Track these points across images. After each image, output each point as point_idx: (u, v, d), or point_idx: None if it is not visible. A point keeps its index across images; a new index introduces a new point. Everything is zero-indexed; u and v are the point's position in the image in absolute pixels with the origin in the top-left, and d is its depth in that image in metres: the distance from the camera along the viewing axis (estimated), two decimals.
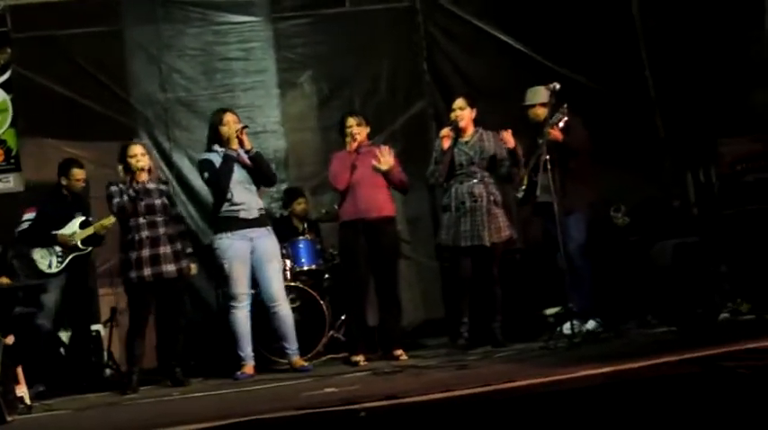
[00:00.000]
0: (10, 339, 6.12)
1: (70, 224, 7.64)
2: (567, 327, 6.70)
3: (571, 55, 8.64)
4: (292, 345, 6.99)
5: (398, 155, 7.59)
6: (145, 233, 6.81)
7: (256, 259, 6.98)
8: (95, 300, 8.27)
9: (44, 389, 7.01)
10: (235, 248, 6.94)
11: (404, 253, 8.04)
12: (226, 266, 6.97)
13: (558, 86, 6.88)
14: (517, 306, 7.43)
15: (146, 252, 6.77)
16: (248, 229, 6.96)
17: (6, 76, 8.65)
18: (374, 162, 7.04)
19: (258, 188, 7.12)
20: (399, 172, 7.17)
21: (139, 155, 6.91)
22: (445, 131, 7.16)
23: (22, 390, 6.24)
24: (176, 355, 7.01)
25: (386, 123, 8.78)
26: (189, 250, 7.09)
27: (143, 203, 6.82)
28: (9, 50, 8.65)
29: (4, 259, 6.77)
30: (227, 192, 6.95)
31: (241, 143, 6.98)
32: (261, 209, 7.08)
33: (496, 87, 8.65)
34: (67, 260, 7.58)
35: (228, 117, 7.07)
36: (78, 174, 7.74)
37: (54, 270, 7.50)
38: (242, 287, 6.94)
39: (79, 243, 7.60)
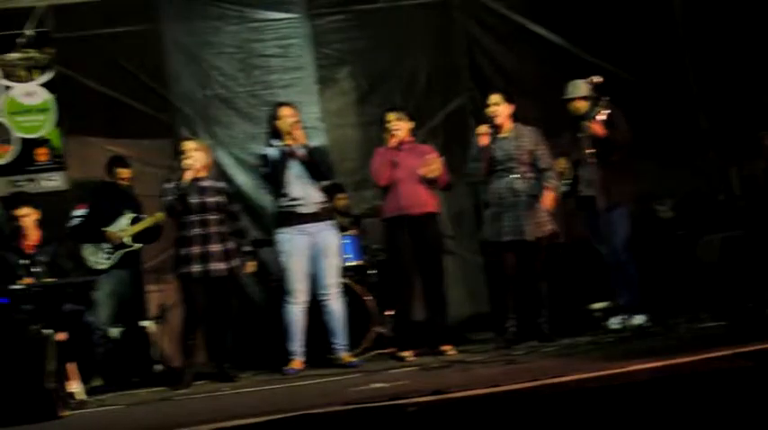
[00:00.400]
0: (62, 336, 6.21)
1: (119, 221, 7.72)
2: (614, 322, 6.69)
3: (611, 48, 8.61)
4: (341, 341, 7.02)
5: (438, 150, 7.60)
6: (196, 230, 6.85)
7: (315, 253, 7.00)
8: (144, 296, 8.36)
9: (101, 385, 7.10)
10: (293, 243, 6.97)
11: (448, 248, 8.03)
12: (284, 260, 7.01)
13: (598, 80, 6.86)
14: (563, 301, 7.42)
15: (196, 249, 6.82)
16: (307, 224, 6.98)
17: (49, 76, 8.74)
18: (421, 170, 7.04)
19: (317, 182, 7.10)
20: (444, 174, 7.16)
21: (188, 151, 6.94)
22: (482, 129, 7.13)
23: (74, 386, 6.34)
24: (225, 352, 7.05)
25: (425, 119, 8.76)
26: (246, 248, 7.12)
27: (195, 201, 6.86)
28: (51, 51, 8.75)
29: (54, 258, 6.83)
30: (283, 187, 6.98)
31: (294, 138, 6.99)
32: (321, 203, 7.07)
33: (535, 82, 8.64)
34: (116, 257, 7.66)
35: (283, 111, 7.08)
36: (122, 173, 7.83)
37: (102, 266, 7.58)
38: (298, 282, 6.96)
39: (128, 239, 7.67)
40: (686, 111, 8.67)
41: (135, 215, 7.75)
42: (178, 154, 6.97)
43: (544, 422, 4.04)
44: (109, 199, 7.79)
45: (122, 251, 7.67)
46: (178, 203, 6.83)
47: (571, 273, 7.70)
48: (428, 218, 7.14)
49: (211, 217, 6.90)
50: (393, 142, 7.12)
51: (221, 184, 7.12)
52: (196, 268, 6.81)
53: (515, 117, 7.21)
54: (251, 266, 7.18)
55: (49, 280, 6.65)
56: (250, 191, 8.81)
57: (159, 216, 7.52)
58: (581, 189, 7.11)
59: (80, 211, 7.72)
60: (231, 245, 6.96)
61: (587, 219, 7.26)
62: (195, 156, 6.91)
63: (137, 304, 7.87)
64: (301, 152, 7.01)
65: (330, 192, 8.24)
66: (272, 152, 7.04)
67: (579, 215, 7.45)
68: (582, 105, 7.25)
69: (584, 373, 4.55)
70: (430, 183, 7.12)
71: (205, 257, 6.82)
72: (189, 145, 7.04)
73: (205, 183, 6.98)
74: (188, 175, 6.85)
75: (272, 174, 7.04)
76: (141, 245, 7.78)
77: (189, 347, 6.93)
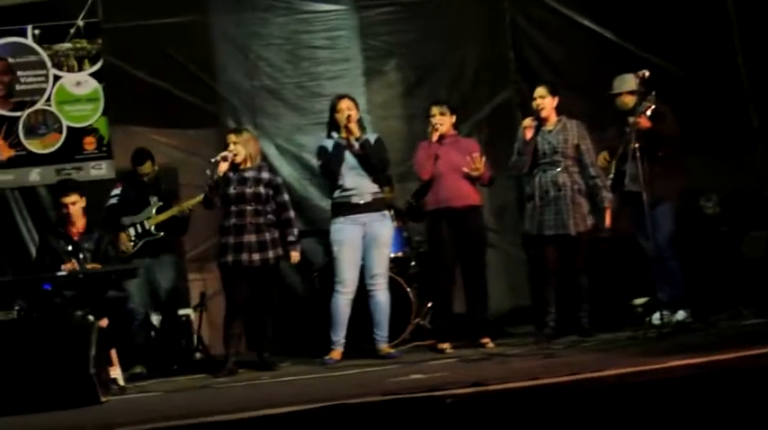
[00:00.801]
0: (104, 322, 6.28)
1: (146, 209, 7.77)
2: (656, 318, 6.63)
3: (660, 42, 8.51)
4: (382, 332, 7.03)
5: (483, 144, 7.60)
6: (232, 220, 6.90)
7: (366, 243, 7.03)
8: (185, 284, 8.43)
9: (142, 372, 7.17)
10: (345, 233, 7.01)
11: (490, 242, 8.00)
12: (335, 250, 7.05)
13: (647, 74, 6.79)
14: (604, 295, 7.37)
15: (231, 239, 6.87)
16: (360, 214, 7.01)
17: (98, 65, 8.84)
18: (465, 169, 7.03)
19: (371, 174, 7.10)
20: (487, 170, 7.14)
21: (232, 143, 6.97)
22: (527, 122, 7.10)
23: (115, 372, 6.41)
24: (265, 341, 7.10)
25: (471, 112, 8.75)
26: (291, 238, 7.10)
27: (233, 191, 6.90)
28: (100, 41, 8.84)
29: (98, 245, 6.90)
30: (338, 179, 7.02)
31: (349, 131, 7.01)
32: (375, 193, 7.08)
33: (583, 75, 8.59)
34: (139, 244, 7.71)
35: (342, 104, 7.11)
36: (142, 170, 7.81)
37: (126, 254, 7.64)
38: (347, 272, 6.99)
39: (152, 228, 7.71)
40: (736, 107, 8.52)
41: (161, 204, 7.77)
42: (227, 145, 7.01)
43: (582, 416, 4.01)
44: (137, 187, 7.83)
45: (145, 239, 7.71)
46: (212, 194, 6.88)
47: (614, 268, 7.64)
48: (470, 210, 7.13)
49: (248, 207, 6.90)
50: (434, 136, 7.10)
51: (267, 175, 7.10)
52: (230, 258, 6.86)
53: (560, 110, 7.16)
54: (295, 256, 7.16)
55: (94, 267, 6.71)
56: (294, 182, 8.85)
57: (183, 206, 7.56)
58: (626, 184, 7.04)
59: (116, 190, 7.81)
60: (270, 235, 6.96)
61: (632, 215, 7.19)
62: (233, 149, 6.93)
63: (173, 292, 7.85)
64: (356, 145, 7.04)
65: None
66: (328, 144, 7.09)
67: (624, 210, 7.37)
68: (629, 100, 7.19)
69: (624, 368, 4.52)
70: (473, 180, 7.11)
71: (239, 248, 6.84)
72: (230, 137, 7.06)
73: (247, 174, 7.00)
74: (222, 168, 6.87)
75: (325, 165, 7.09)
76: (163, 234, 7.74)
77: (230, 336, 6.96)
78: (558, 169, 7.00)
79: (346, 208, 7.04)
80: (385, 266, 7.12)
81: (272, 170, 7.28)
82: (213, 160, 6.90)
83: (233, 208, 6.91)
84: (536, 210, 7.03)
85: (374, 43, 9.14)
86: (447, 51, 9.09)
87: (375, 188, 7.11)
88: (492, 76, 9.10)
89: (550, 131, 7.09)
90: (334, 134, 7.14)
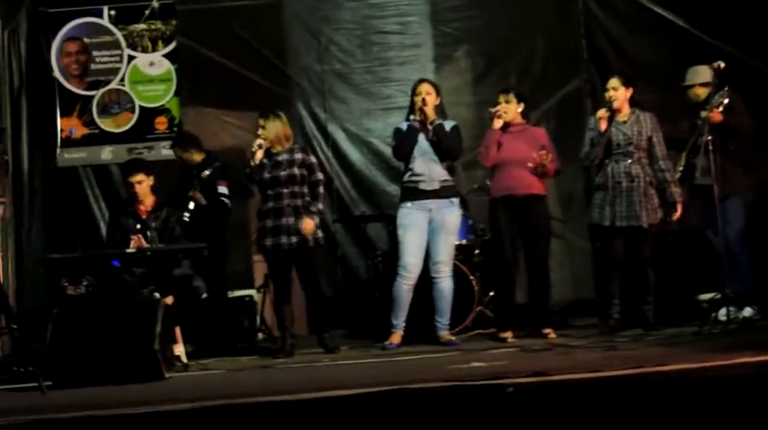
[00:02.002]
0: (169, 300, 6.37)
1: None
2: (722, 313, 6.52)
3: (736, 32, 8.32)
4: (444, 319, 7.01)
5: (552, 133, 7.52)
6: (270, 204, 6.90)
7: (432, 229, 7.00)
8: (250, 266, 8.49)
9: (204, 350, 7.23)
10: (411, 218, 6.99)
11: (556, 231, 7.94)
12: (400, 233, 7.03)
13: (722, 65, 6.68)
14: (670, 289, 7.27)
15: (270, 222, 6.88)
16: (428, 200, 6.98)
17: (172, 46, 8.96)
18: (530, 164, 6.99)
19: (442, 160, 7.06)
20: (553, 162, 7.08)
21: (260, 128, 6.98)
22: (601, 113, 7.00)
23: (179, 349, 6.50)
24: (321, 322, 7.14)
25: (540, 100, 8.68)
26: (315, 209, 6.94)
27: (269, 176, 6.91)
28: (174, 22, 8.95)
29: (166, 224, 6.97)
30: (409, 162, 7.01)
31: (424, 114, 6.98)
32: (445, 180, 7.04)
33: (656, 65, 8.46)
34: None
35: (421, 88, 7.07)
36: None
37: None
38: (411, 257, 6.96)
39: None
40: None
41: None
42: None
43: (644, 411, 3.97)
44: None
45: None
46: (250, 183, 6.94)
47: (682, 262, 7.54)
48: (534, 199, 7.07)
49: (284, 190, 6.88)
50: (497, 123, 7.06)
51: (300, 156, 7.02)
52: (269, 241, 6.87)
53: (633, 101, 7.07)
54: (307, 224, 6.85)
55: (161, 245, 6.79)
56: (362, 167, 8.89)
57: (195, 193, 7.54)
58: (697, 177, 6.94)
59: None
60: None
61: (701, 208, 7.09)
62: (262, 133, 6.93)
63: (219, 274, 7.71)
64: (429, 129, 7.01)
65: None
66: (404, 126, 7.10)
67: (693, 203, 7.27)
68: (702, 92, 7.09)
69: (688, 364, 4.46)
70: (538, 175, 7.06)
71: (277, 230, 6.84)
72: (260, 121, 7.05)
73: (280, 157, 6.97)
74: (258, 155, 6.88)
75: (398, 147, 7.09)
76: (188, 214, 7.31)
77: (281, 319, 6.99)
78: (631, 160, 6.91)
79: (415, 193, 7.02)
80: (450, 254, 7.09)
81: (305, 150, 7.22)
82: (252, 150, 6.91)
83: (269, 192, 6.91)
84: (606, 201, 6.94)
85: (445, 29, 9.12)
86: (517, 38, 9.03)
87: (445, 175, 7.07)
88: (562, 65, 9.00)
89: (624, 122, 7.00)
90: (411, 117, 7.13)
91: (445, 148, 7.03)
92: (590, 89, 8.79)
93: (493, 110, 7.10)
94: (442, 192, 7.03)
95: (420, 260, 7.01)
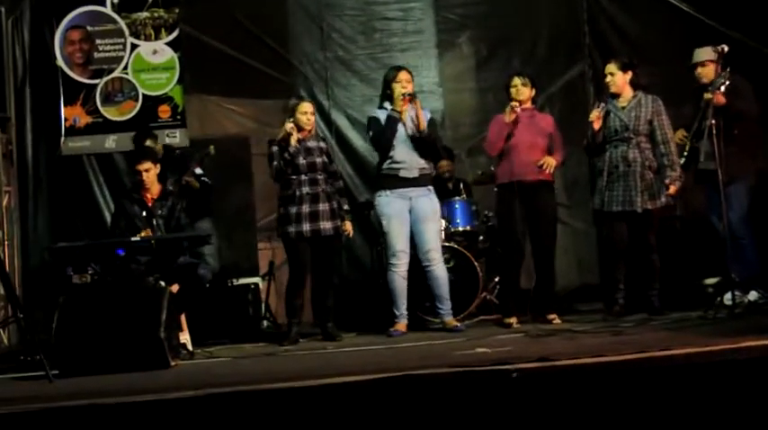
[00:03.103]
0: (175, 288, 6.38)
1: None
2: (727, 298, 6.52)
3: (740, 16, 8.29)
4: (445, 305, 7.02)
5: (556, 117, 7.52)
6: (305, 189, 6.93)
7: (414, 218, 7.01)
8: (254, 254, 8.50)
9: (209, 337, 7.25)
10: (393, 206, 6.99)
11: (561, 217, 7.93)
12: (384, 223, 7.04)
13: (725, 49, 6.65)
14: (675, 274, 7.27)
15: (305, 208, 6.91)
16: (407, 188, 6.99)
17: (174, 34, 8.94)
18: (540, 162, 7.00)
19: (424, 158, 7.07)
20: (558, 152, 7.12)
21: (309, 113, 7.07)
22: (595, 114, 6.98)
23: (184, 337, 6.53)
24: (328, 311, 7.15)
25: (544, 85, 8.61)
26: (345, 207, 7.19)
27: (304, 161, 6.94)
28: (177, 10, 8.94)
29: (172, 212, 6.97)
30: (389, 151, 7.00)
31: (413, 101, 6.98)
32: (423, 168, 7.05)
33: (660, 50, 8.42)
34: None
35: (401, 75, 7.06)
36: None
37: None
38: (399, 244, 6.97)
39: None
40: None
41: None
42: (295, 112, 7.03)
43: (650, 395, 3.98)
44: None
45: None
46: (288, 168, 6.93)
47: (686, 247, 7.54)
48: (542, 185, 7.07)
49: (320, 176, 6.99)
50: (511, 117, 7.03)
51: (323, 144, 7.20)
52: (306, 227, 6.90)
53: (637, 85, 7.05)
54: (349, 226, 7.20)
55: (166, 233, 6.80)
56: (366, 153, 8.88)
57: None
58: (701, 161, 6.92)
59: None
60: (335, 204, 7.06)
61: (706, 193, 7.08)
62: (302, 119, 7.01)
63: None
64: (409, 122, 7.00)
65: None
66: (382, 115, 7.06)
67: (697, 188, 7.26)
68: (708, 71, 7.03)
69: (693, 348, 4.45)
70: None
71: (315, 216, 6.90)
72: (309, 106, 7.14)
73: (311, 144, 7.05)
74: (295, 137, 6.92)
75: (379, 137, 7.07)
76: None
77: (294, 306, 7.02)
78: (629, 145, 6.91)
79: (394, 181, 7.01)
80: (436, 241, 7.11)
81: (324, 139, 7.31)
82: (287, 132, 6.92)
83: (304, 176, 6.95)
84: (604, 186, 6.96)
85: (447, 15, 9.09)
86: (520, 24, 9.00)
87: (424, 163, 7.07)
88: (565, 50, 8.97)
89: (623, 108, 6.99)
90: (387, 105, 7.09)
91: (437, 151, 7.19)
92: (593, 74, 8.76)
93: (515, 105, 7.04)
94: (420, 180, 7.04)
95: (408, 247, 7.01)
